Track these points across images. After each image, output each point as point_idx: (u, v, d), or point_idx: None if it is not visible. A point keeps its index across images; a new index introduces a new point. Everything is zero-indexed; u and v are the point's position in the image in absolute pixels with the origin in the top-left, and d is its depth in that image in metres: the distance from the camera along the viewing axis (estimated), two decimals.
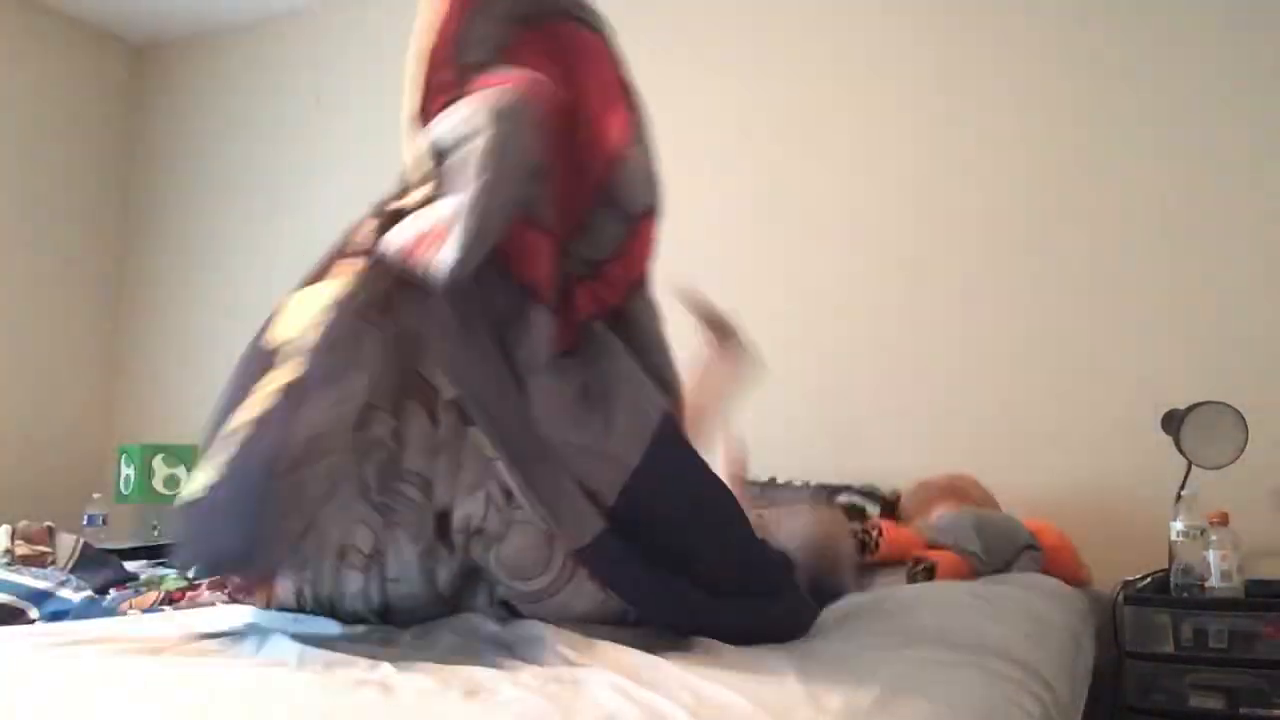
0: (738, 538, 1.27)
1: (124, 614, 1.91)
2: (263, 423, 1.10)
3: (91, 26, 4.07)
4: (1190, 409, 2.22)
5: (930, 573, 2.04)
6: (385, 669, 1.07)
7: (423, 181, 1.23)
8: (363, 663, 1.09)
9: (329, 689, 1.01)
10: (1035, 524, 2.32)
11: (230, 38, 4.07)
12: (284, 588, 1.31)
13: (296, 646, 1.15)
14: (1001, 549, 2.17)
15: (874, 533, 2.10)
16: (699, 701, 0.96)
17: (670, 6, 3.25)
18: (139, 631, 1.34)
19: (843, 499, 2.48)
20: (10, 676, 1.06)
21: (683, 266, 3.11)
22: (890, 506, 2.47)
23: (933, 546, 2.15)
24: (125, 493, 3.60)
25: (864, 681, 1.04)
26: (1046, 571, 2.22)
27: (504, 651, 1.15)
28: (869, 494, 2.53)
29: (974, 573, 2.09)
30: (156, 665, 1.11)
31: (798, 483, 2.60)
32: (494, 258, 1.16)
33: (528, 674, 1.06)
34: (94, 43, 4.09)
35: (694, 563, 1.21)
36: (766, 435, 2.92)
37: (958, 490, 2.44)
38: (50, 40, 3.93)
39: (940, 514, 2.34)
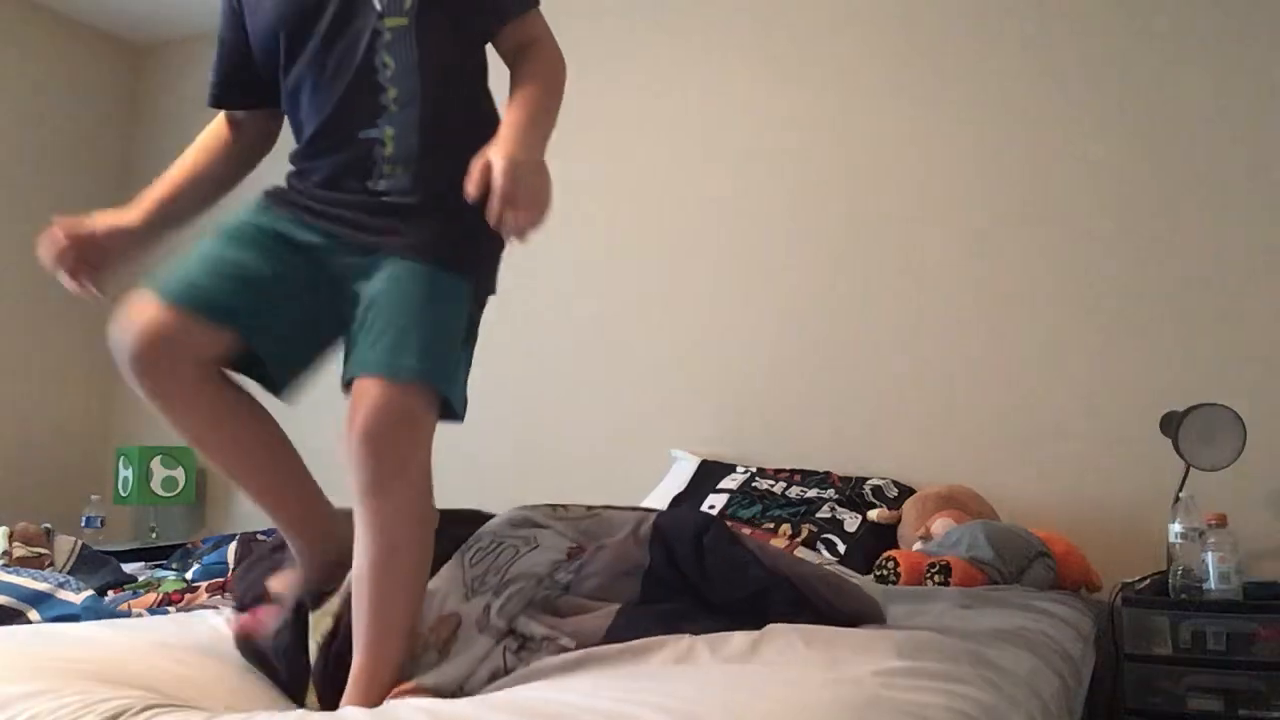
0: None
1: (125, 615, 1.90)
2: None
3: (91, 26, 4.07)
4: (1189, 411, 2.22)
5: (946, 572, 2.05)
6: None
7: None
8: None
9: None
10: (1042, 534, 2.30)
11: None
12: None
13: None
14: (1015, 556, 2.16)
15: (890, 564, 2.13)
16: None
17: (662, 15, 3.26)
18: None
19: (824, 513, 2.50)
20: None
21: (680, 268, 3.13)
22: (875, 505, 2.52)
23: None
24: (124, 494, 3.59)
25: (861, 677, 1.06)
26: (1059, 578, 2.21)
27: None
28: (852, 502, 2.55)
29: (989, 582, 2.09)
30: None
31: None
32: None
33: None
34: (94, 43, 4.09)
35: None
36: (764, 437, 2.93)
37: (957, 501, 2.44)
38: (50, 40, 3.92)
39: (939, 522, 2.34)
